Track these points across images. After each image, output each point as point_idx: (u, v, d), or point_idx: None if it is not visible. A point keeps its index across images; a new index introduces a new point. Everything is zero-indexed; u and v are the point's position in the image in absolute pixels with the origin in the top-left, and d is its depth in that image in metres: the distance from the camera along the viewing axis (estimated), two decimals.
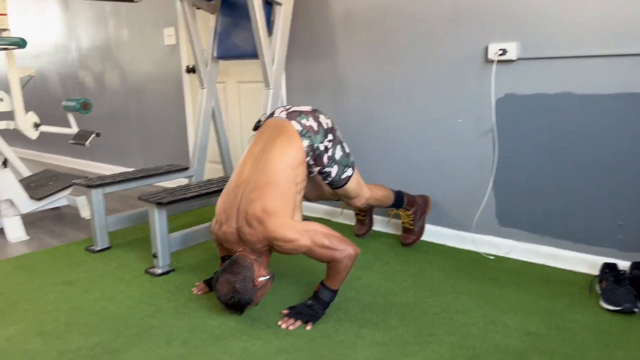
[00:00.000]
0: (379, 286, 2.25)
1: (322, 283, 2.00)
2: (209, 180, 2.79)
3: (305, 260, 2.56)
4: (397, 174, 2.87)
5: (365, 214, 2.85)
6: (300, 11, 3.13)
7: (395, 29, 2.73)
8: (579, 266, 2.32)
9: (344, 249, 1.92)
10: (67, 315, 2.09)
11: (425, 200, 2.70)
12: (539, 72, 2.31)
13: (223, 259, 2.31)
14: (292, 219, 1.93)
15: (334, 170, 2.20)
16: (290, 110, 2.15)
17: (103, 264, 2.64)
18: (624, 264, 2.20)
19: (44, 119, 5.65)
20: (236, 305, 1.87)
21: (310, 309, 1.97)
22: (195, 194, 2.50)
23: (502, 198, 2.52)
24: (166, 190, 2.58)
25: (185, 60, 3.96)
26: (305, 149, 2.06)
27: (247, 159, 2.07)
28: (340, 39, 2.97)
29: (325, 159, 2.15)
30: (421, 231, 2.71)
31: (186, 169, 3.22)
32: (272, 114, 2.19)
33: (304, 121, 2.10)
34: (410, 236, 2.69)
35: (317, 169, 2.17)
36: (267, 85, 2.91)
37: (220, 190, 2.59)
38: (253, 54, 2.98)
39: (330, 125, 2.17)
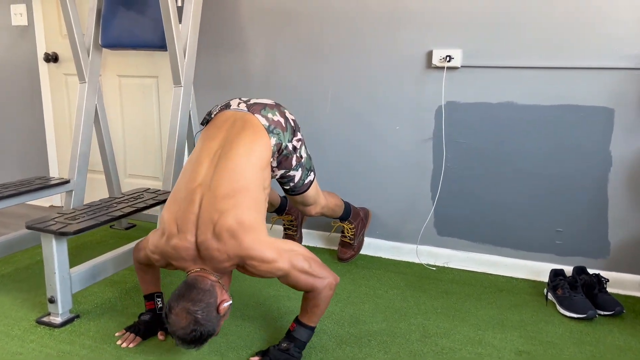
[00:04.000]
0: (341, 312, 2.02)
1: (297, 320, 1.71)
2: (112, 198, 2.25)
3: (262, 287, 2.22)
4: (327, 183, 2.66)
5: (295, 228, 2.59)
6: None
7: (327, 25, 2.51)
8: (519, 272, 2.37)
9: (325, 276, 1.66)
10: None
11: (366, 213, 2.53)
12: (482, 81, 2.30)
13: (148, 297, 1.86)
14: (267, 235, 1.62)
15: (297, 175, 1.92)
16: (250, 103, 1.83)
17: None
18: (566, 269, 2.29)
19: None
20: (197, 339, 1.49)
21: (287, 354, 1.66)
22: (106, 218, 1.98)
23: (441, 207, 2.47)
24: (64, 214, 2.00)
25: (43, 46, 3.23)
26: (272, 147, 1.76)
27: (203, 157, 1.69)
28: (260, 32, 2.65)
29: (293, 161, 1.87)
30: (360, 246, 2.54)
31: (66, 182, 2.59)
32: (226, 106, 1.85)
33: (269, 115, 1.79)
34: (348, 251, 2.51)
35: (280, 172, 1.88)
36: (176, 82, 2.47)
37: (134, 211, 2.11)
38: (157, 45, 2.50)
39: (296, 123, 1.90)
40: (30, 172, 3.46)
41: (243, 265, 1.58)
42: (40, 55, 3.24)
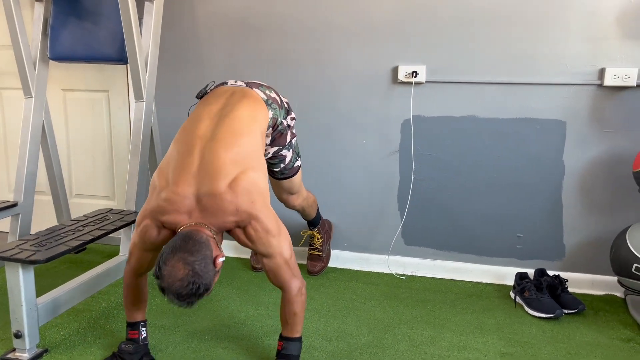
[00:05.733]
0: (326, 328, 2.02)
1: (281, 337, 1.68)
2: (76, 221, 2.11)
3: (239, 306, 2.15)
4: None
5: None
6: (166, 7, 2.63)
7: (291, 39, 2.52)
8: (484, 277, 2.49)
9: (299, 277, 1.66)
10: None
11: (330, 225, 2.56)
12: (446, 96, 2.40)
13: (133, 325, 1.76)
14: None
15: (289, 155, 1.96)
16: (247, 81, 1.87)
17: None
18: (528, 272, 2.43)
19: None
20: (194, 293, 1.40)
21: None
22: (77, 242, 1.85)
23: (408, 218, 2.54)
24: (27, 240, 1.85)
25: None
26: (269, 120, 1.78)
27: (203, 117, 1.67)
28: (221, 46, 2.60)
29: (288, 137, 1.90)
30: (328, 257, 2.55)
31: (13, 205, 2.39)
32: (223, 83, 1.86)
33: (266, 92, 1.83)
34: (318, 264, 2.51)
35: (273, 149, 1.90)
36: (138, 97, 2.37)
37: (105, 234, 1.98)
38: (115, 58, 2.38)
39: (289, 105, 1.94)
40: None
41: (244, 226, 1.53)
42: None
